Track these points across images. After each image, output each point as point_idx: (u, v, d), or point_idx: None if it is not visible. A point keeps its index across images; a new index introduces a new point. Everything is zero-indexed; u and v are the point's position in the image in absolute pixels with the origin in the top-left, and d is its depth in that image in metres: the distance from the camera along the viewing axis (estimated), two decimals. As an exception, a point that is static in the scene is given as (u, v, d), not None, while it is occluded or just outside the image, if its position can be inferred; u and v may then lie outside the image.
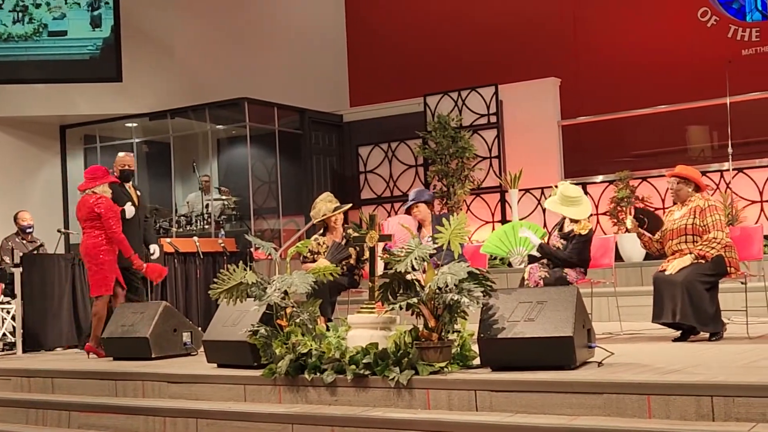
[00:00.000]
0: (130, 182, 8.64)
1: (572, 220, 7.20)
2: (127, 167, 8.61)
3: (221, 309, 6.31)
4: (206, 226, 12.35)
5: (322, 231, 8.25)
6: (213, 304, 6.48)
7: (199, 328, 7.74)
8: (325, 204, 8.09)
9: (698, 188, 6.76)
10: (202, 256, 10.07)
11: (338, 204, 8.14)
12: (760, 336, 6.60)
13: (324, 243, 8.12)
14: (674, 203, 6.94)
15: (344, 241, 8.05)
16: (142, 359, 7.04)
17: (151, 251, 8.70)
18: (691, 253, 6.51)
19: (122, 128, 13.76)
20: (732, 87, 10.43)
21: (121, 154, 8.88)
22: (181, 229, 12.45)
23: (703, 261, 6.47)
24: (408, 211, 8.15)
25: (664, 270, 6.60)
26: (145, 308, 7.50)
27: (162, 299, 8.93)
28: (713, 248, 6.48)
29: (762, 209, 10.45)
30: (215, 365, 6.20)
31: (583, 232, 7.12)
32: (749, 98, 11.35)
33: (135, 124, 13.71)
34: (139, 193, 8.70)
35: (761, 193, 10.48)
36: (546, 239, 7.29)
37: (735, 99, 10.61)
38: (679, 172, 6.79)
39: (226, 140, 13.91)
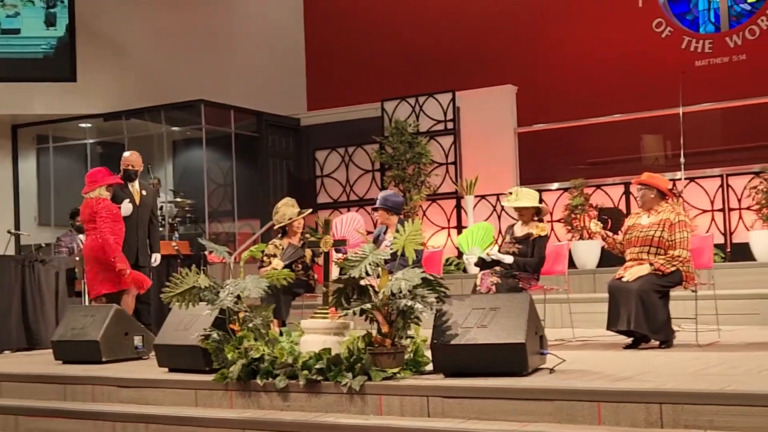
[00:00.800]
0: (135, 181, 8.53)
1: (532, 220, 7.21)
2: (130, 167, 8.50)
3: (173, 313, 6.25)
4: (160, 229, 12.21)
5: (280, 235, 8.25)
6: (165, 308, 6.42)
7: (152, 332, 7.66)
8: (288, 208, 8.16)
9: (663, 194, 6.84)
10: (155, 259, 9.94)
11: (300, 209, 8.20)
12: (709, 344, 6.69)
13: (280, 246, 8.12)
14: (639, 208, 7.04)
15: (302, 244, 8.07)
16: (93, 363, 6.94)
17: (152, 259, 8.64)
18: (651, 264, 6.58)
19: (76, 129, 13.59)
20: (685, 97, 10.56)
21: (126, 153, 8.72)
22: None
23: (660, 273, 6.55)
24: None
25: (621, 277, 6.66)
26: (95, 311, 7.41)
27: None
28: (674, 265, 6.57)
29: (713, 218, 10.59)
30: (167, 369, 6.15)
31: (542, 234, 7.18)
32: (702, 109, 11.52)
33: (89, 125, 13.54)
34: (144, 192, 8.58)
35: (712, 203, 10.62)
36: (491, 249, 7.30)
37: (688, 109, 10.74)
38: (642, 180, 6.90)
39: (182, 142, 13.79)
